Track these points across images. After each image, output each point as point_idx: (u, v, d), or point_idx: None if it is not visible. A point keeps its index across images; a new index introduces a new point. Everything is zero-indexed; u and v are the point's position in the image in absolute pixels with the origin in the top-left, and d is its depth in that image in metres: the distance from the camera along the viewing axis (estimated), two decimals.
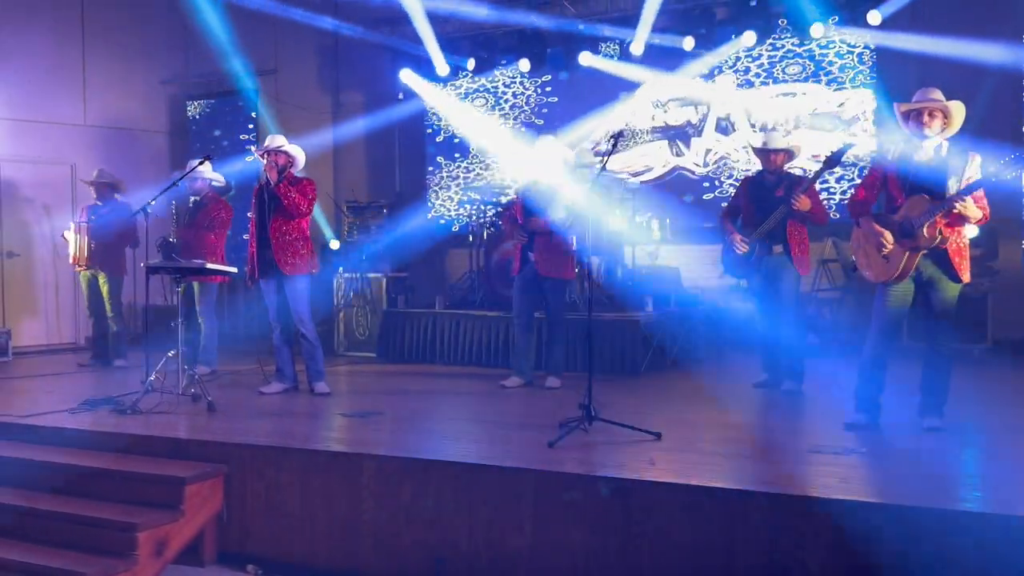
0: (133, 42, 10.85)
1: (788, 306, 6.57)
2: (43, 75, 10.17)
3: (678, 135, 10.28)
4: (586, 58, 10.37)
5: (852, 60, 9.52)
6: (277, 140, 6.68)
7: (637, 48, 10.05)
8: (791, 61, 9.77)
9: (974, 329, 8.27)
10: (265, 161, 6.57)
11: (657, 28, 10.10)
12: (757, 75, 9.93)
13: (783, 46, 9.79)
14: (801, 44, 9.66)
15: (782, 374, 6.70)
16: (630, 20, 10.01)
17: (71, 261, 8.63)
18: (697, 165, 10.15)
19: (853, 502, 3.75)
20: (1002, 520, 3.49)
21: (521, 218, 7.03)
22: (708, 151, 10.13)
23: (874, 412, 5.25)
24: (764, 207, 6.51)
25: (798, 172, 7.26)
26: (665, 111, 10.36)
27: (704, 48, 9.98)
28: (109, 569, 4.44)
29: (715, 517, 3.94)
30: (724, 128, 10.10)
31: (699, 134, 10.20)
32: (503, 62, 11.28)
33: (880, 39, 9.09)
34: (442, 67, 10.86)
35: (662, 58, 10.14)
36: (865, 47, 9.43)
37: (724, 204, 7.93)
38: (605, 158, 5.69)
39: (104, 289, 8.53)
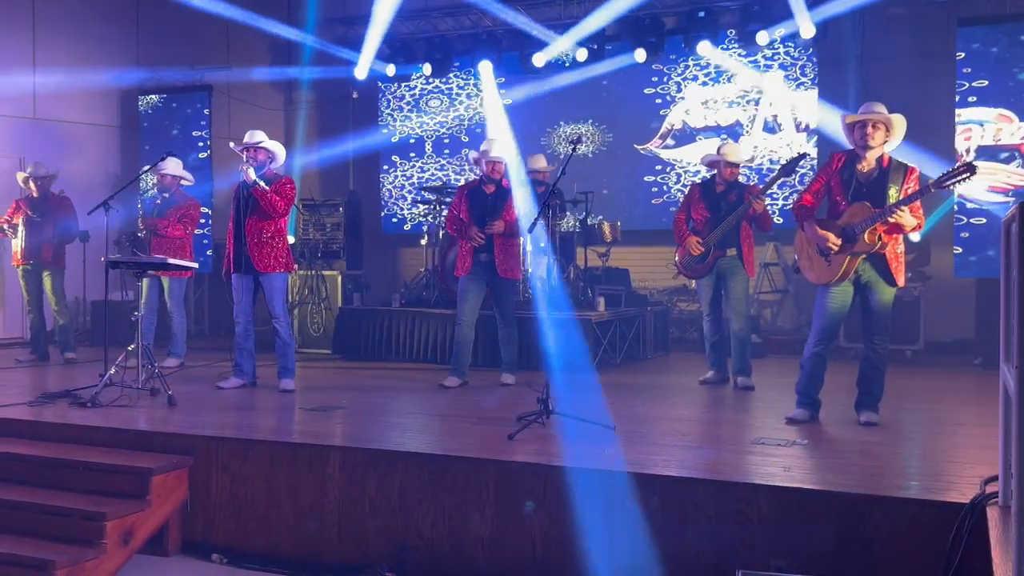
0: (84, 35, 10.77)
1: (739, 306, 6.86)
2: None
3: (728, 134, 10.58)
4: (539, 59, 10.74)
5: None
6: (256, 135, 6.70)
7: (582, 55, 10.47)
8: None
9: (908, 331, 8.69)
10: (244, 157, 6.62)
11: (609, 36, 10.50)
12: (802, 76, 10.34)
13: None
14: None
15: (732, 371, 6.99)
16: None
17: (14, 261, 8.57)
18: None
19: (794, 489, 4.02)
20: (931, 505, 3.78)
21: (467, 218, 7.04)
22: (755, 148, 10.49)
23: (814, 407, 5.55)
24: (717, 211, 6.82)
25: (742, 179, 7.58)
26: (716, 111, 10.67)
27: (654, 57, 10.37)
28: (77, 557, 4.50)
29: (665, 503, 4.17)
30: (771, 128, 10.46)
31: (748, 133, 10.56)
32: (456, 64, 11.53)
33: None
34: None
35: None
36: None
37: (673, 209, 8.22)
38: (565, 162, 5.91)
39: (47, 284, 8.50)
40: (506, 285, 7.08)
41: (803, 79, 10.25)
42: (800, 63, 10.25)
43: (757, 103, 10.54)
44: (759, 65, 10.41)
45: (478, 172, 7.15)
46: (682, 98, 10.87)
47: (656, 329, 9.30)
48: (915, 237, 7.91)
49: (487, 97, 11.32)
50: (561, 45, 10.47)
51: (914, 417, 5.84)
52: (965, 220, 8.15)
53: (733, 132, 10.58)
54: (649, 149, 11.00)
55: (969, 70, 8.14)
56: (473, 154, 7.28)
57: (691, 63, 10.71)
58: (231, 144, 6.89)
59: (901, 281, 5.35)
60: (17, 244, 8.45)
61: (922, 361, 8.68)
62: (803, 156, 6.51)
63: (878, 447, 4.90)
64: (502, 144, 7.28)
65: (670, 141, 10.94)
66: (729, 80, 10.63)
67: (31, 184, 8.52)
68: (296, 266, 9.59)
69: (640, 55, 10.31)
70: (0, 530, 4.75)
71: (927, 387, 7.23)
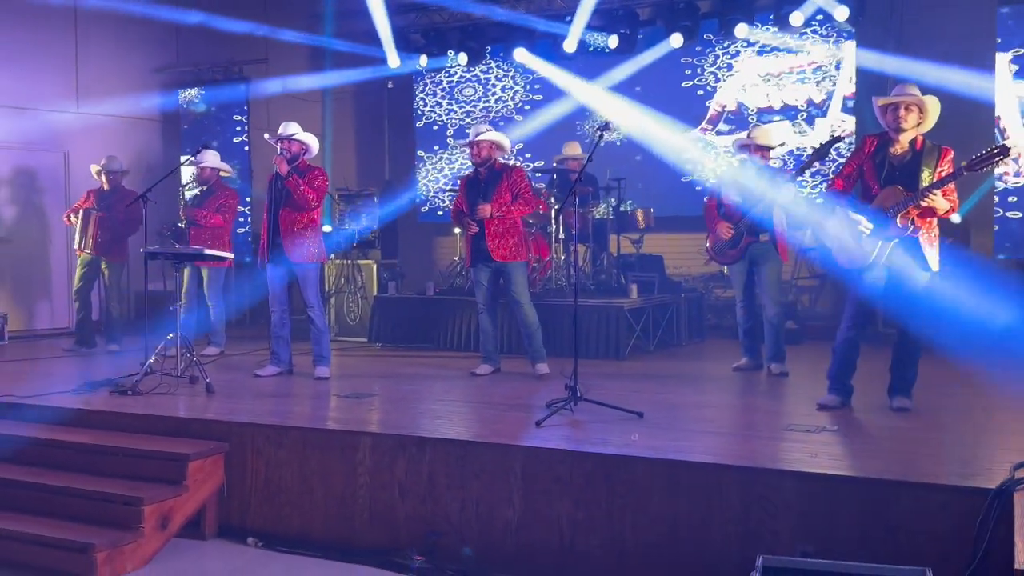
0: (125, 29, 10.95)
1: (772, 292, 6.82)
2: (36, 62, 10.28)
3: (797, 115, 10.17)
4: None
5: None
6: (291, 128, 6.77)
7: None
8: None
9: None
10: (278, 148, 6.71)
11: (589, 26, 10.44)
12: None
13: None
14: None
15: (765, 358, 6.96)
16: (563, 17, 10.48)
17: (76, 246, 8.75)
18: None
19: (819, 475, 4.01)
20: (959, 491, 3.75)
21: (465, 208, 6.94)
22: (833, 128, 9.92)
23: (845, 393, 5.51)
24: (748, 196, 6.77)
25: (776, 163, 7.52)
26: (780, 88, 10.21)
27: (691, 42, 10.27)
28: (116, 540, 4.63)
29: (692, 489, 4.18)
30: (848, 108, 10.01)
31: (823, 113, 10.10)
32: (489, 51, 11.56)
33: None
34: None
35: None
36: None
37: (706, 198, 8.17)
38: (592, 149, 5.91)
39: (106, 275, 8.68)
40: (507, 269, 6.84)
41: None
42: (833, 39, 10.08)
43: (833, 80, 9.99)
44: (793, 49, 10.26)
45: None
46: (731, 74, 10.44)
47: (691, 316, 9.26)
48: (955, 219, 7.78)
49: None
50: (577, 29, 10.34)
51: (948, 403, 5.76)
52: (1001, 204, 8.01)
53: (797, 114, 10.11)
54: (697, 135, 10.71)
55: (1010, 52, 7.98)
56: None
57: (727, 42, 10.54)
58: (265, 135, 6.99)
59: (935, 265, 5.27)
60: (79, 233, 8.65)
61: (961, 347, 8.52)
62: (838, 139, 6.41)
63: (908, 432, 4.86)
64: (489, 127, 7.02)
65: (723, 126, 10.57)
66: (792, 53, 10.07)
67: (103, 177, 8.71)
68: (332, 256, 9.71)
69: (676, 40, 10.22)
70: (43, 514, 4.90)
71: (964, 373, 7.11)
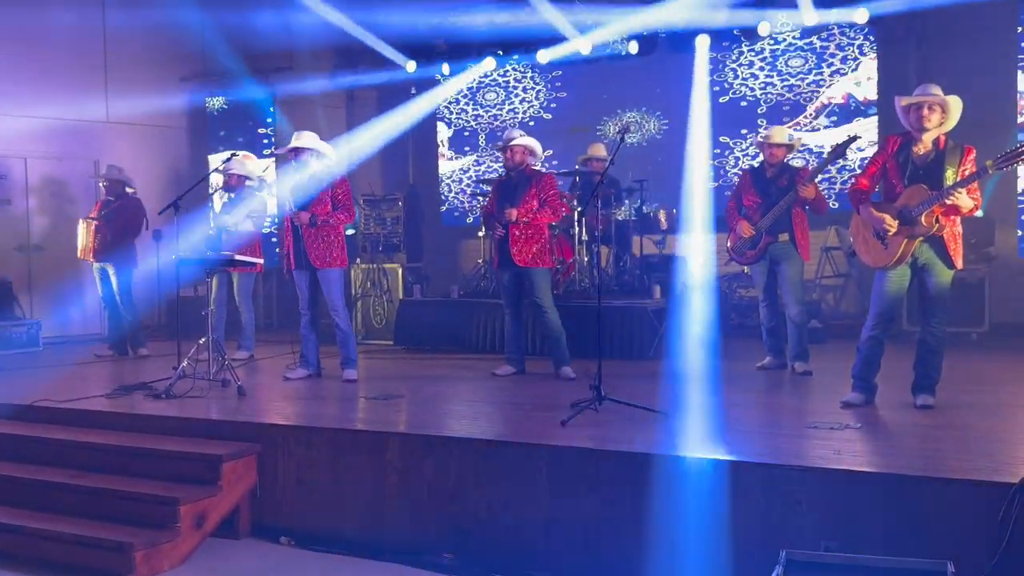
0: (153, 40, 11.15)
1: (793, 291, 6.85)
2: (67, 73, 10.50)
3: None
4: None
5: None
6: (303, 138, 6.85)
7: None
8: None
9: (972, 313, 8.55)
10: (291, 158, 6.83)
11: None
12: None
13: None
14: None
15: (789, 357, 6.99)
16: None
17: (79, 255, 8.90)
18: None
19: (842, 471, 4.06)
20: (980, 486, 3.78)
21: (495, 211, 7.01)
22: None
23: (870, 391, 5.54)
24: (768, 197, 6.82)
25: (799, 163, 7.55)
26: (857, 84, 10.04)
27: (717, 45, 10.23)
28: (154, 540, 4.75)
29: (716, 487, 4.24)
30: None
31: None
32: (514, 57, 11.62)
33: None
34: None
35: None
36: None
37: (728, 193, 8.22)
38: (614, 152, 5.98)
39: (114, 281, 8.78)
40: (529, 274, 6.88)
41: (862, 58, 10.09)
42: (857, 42, 10.08)
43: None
44: (815, 48, 10.25)
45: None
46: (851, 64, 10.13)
47: (713, 316, 9.27)
48: (979, 213, 7.80)
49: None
50: (610, 31, 10.35)
51: (973, 400, 5.76)
52: None
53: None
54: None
55: None
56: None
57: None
58: (274, 150, 7.09)
59: (959, 263, 5.30)
60: (79, 241, 8.79)
61: (987, 344, 8.51)
62: (854, 139, 6.43)
63: (932, 430, 4.89)
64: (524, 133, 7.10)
65: (822, 120, 10.24)
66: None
67: (101, 185, 8.90)
68: (358, 260, 9.84)
69: (703, 41, 10.23)
70: (82, 515, 5.04)
71: (990, 370, 7.12)
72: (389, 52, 11.43)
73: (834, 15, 9.70)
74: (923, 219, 5.16)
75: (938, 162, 5.24)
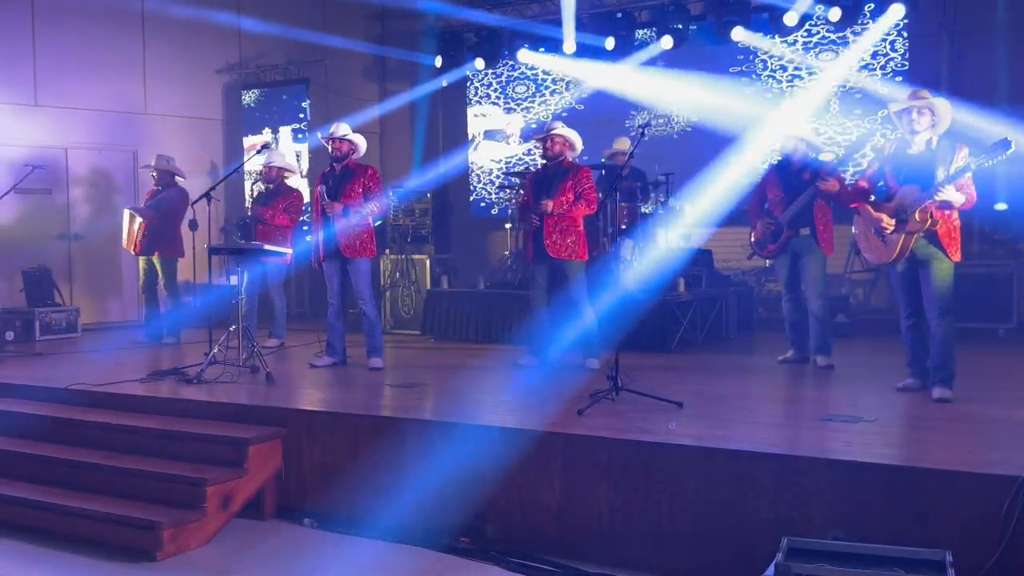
0: (190, 33, 11.36)
1: (815, 285, 6.88)
2: (106, 66, 10.73)
3: None
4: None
5: None
6: (341, 129, 7.05)
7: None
8: None
9: (1000, 309, 8.50)
10: (329, 147, 6.98)
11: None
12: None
13: None
14: None
15: (811, 350, 7.01)
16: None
17: (123, 245, 9.10)
18: None
19: (850, 462, 4.11)
20: (986, 478, 3.82)
21: (531, 201, 6.98)
22: None
23: (923, 375, 5.70)
24: (791, 190, 6.85)
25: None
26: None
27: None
28: (181, 519, 4.93)
29: (726, 476, 4.32)
30: None
31: None
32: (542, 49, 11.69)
33: None
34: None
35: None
36: None
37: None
38: (635, 146, 6.05)
39: (160, 271, 8.96)
40: (563, 268, 6.85)
41: (893, 54, 10.03)
42: (890, 38, 10.02)
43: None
44: (809, 46, 10.21)
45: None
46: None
47: (740, 309, 9.32)
48: (1000, 206, 7.80)
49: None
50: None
51: (991, 395, 5.77)
52: None
53: None
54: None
55: None
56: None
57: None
58: (319, 135, 7.27)
59: (956, 256, 5.48)
60: (125, 233, 8.99)
61: (1015, 340, 8.46)
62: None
63: (945, 423, 4.92)
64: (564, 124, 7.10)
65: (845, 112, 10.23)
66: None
67: (151, 175, 9.09)
68: (387, 251, 9.98)
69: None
70: (113, 494, 5.23)
71: (1015, 365, 7.10)
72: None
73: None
74: (916, 215, 5.35)
75: (930, 161, 5.43)
